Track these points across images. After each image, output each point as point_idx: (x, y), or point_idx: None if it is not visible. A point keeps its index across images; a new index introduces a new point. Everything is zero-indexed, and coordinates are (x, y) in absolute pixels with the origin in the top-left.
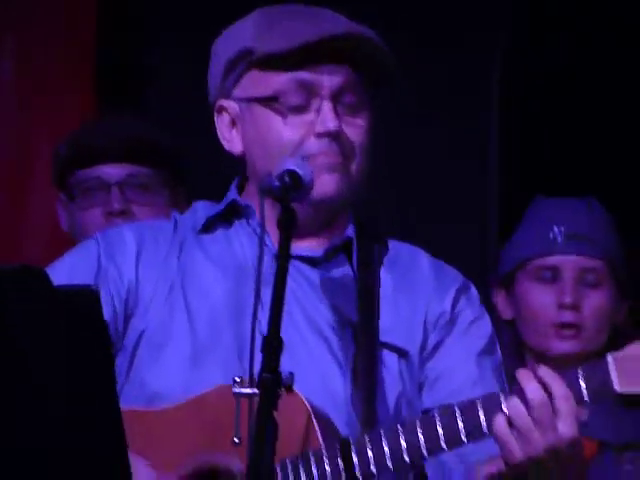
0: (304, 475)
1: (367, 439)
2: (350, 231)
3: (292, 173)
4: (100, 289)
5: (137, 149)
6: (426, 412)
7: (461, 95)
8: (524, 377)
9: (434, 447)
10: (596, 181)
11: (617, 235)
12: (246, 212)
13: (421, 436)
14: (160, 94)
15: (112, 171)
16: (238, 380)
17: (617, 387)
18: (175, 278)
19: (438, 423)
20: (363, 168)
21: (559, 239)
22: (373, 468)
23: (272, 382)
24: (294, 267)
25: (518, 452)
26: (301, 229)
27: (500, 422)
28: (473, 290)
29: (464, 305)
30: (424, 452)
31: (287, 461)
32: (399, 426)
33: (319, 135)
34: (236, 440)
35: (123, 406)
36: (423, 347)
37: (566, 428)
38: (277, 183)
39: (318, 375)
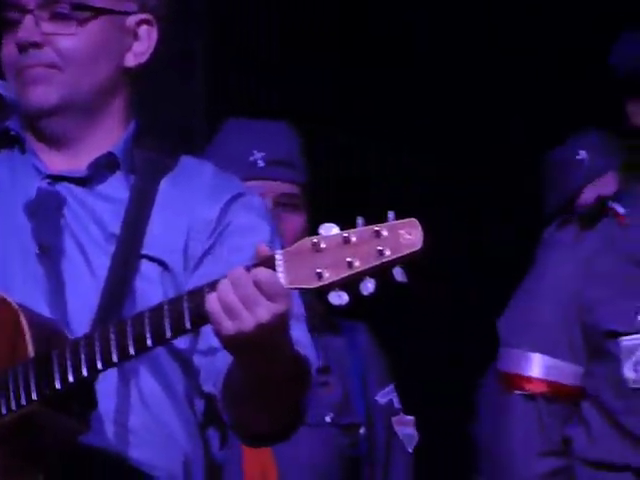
0: (6, 392)
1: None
2: (118, 145)
3: None
4: None
5: None
6: None
7: None
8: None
9: (141, 345)
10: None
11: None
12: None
13: (129, 331)
14: None
15: None
16: None
17: (283, 283)
18: None
19: (146, 318)
20: (79, 75)
21: (260, 163)
22: (85, 371)
23: None
24: (62, 186)
25: (229, 327)
26: (56, 144)
27: (211, 299)
28: (252, 199)
29: (237, 213)
30: (130, 350)
31: None
32: (111, 325)
33: (19, 48)
34: None
35: None
36: (187, 256)
37: (271, 306)
38: None
39: (73, 290)
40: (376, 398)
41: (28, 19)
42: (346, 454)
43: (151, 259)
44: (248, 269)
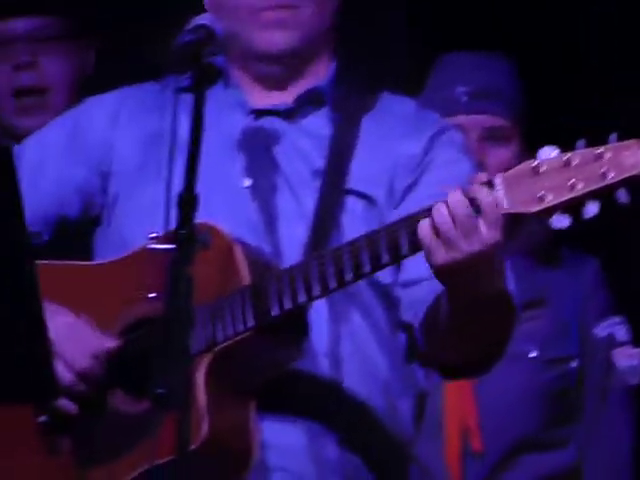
0: (222, 319)
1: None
2: (324, 80)
3: (204, 27)
4: (75, 150)
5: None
6: None
7: None
8: (450, 189)
9: (358, 271)
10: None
11: (521, 89)
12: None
13: (346, 258)
14: None
15: (17, 24)
16: (154, 235)
17: (505, 207)
18: (152, 138)
19: (363, 244)
20: (312, 16)
21: (463, 99)
22: (302, 296)
23: (186, 238)
24: (267, 121)
25: (443, 256)
26: (268, 82)
27: (424, 227)
28: (454, 134)
29: (440, 148)
30: (347, 276)
31: (199, 308)
32: (326, 251)
33: None
34: (150, 294)
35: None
36: (392, 192)
37: (491, 234)
38: (189, 37)
39: (281, 225)
40: (595, 331)
41: None
42: (552, 388)
43: (356, 194)
44: (466, 193)
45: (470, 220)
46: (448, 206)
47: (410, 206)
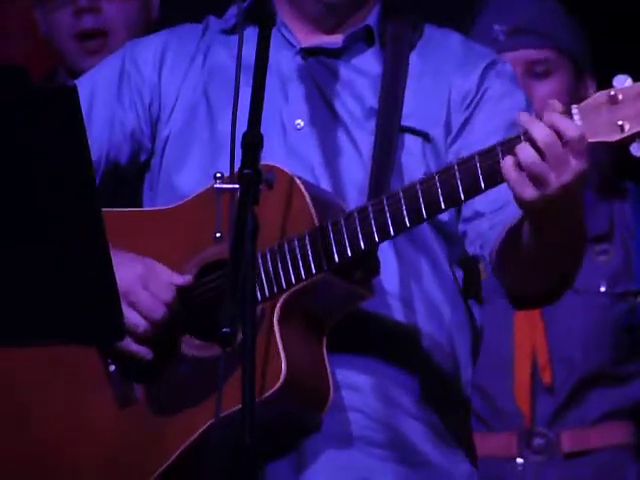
0: (294, 261)
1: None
2: (372, 19)
3: None
4: (124, 94)
5: None
6: None
7: None
8: (528, 121)
9: (433, 207)
10: None
11: (569, 20)
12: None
13: (420, 196)
14: None
15: None
16: (219, 176)
17: (588, 135)
18: (199, 80)
19: (437, 181)
20: None
21: (501, 37)
22: (376, 236)
23: (251, 178)
24: (317, 60)
25: (531, 192)
26: (319, 24)
27: (507, 164)
28: (505, 66)
29: (492, 81)
30: (424, 214)
31: (267, 250)
32: (400, 190)
33: None
34: (217, 235)
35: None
36: (449, 128)
37: (579, 164)
38: None
39: (339, 165)
40: None
41: None
42: (621, 323)
43: (413, 131)
44: (550, 124)
45: (559, 151)
46: (535, 139)
47: (468, 141)
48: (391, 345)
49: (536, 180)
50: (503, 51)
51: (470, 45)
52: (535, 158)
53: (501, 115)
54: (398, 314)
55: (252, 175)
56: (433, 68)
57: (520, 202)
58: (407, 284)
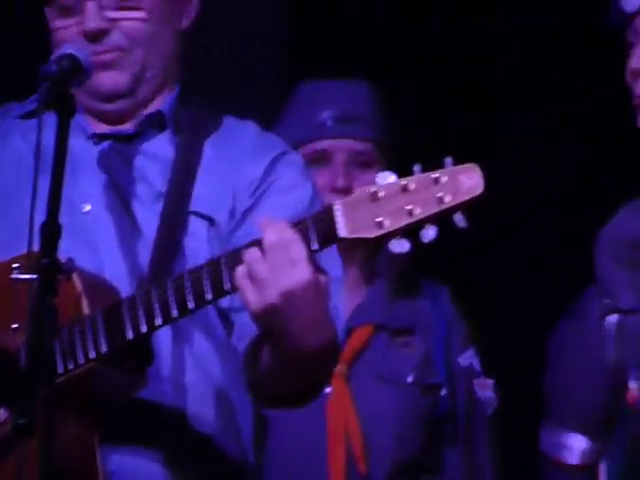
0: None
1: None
2: (165, 106)
3: (70, 57)
4: None
5: None
6: None
7: None
8: (264, 225)
9: (181, 305)
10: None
11: (385, 115)
12: None
13: (170, 292)
14: None
15: None
16: (16, 266)
17: (342, 233)
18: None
19: (186, 280)
20: (148, 52)
21: (328, 123)
22: (142, 327)
23: (49, 268)
24: (109, 145)
25: (255, 299)
26: (111, 115)
27: (240, 271)
28: (293, 156)
29: (281, 172)
30: (173, 311)
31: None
32: (154, 285)
33: (88, 38)
34: (14, 326)
35: None
36: (233, 213)
37: (300, 272)
38: (55, 67)
39: (124, 248)
40: (458, 360)
41: (91, 6)
42: (427, 414)
43: (199, 215)
44: (279, 229)
45: (279, 254)
46: (262, 240)
47: (249, 229)
48: (165, 432)
49: (256, 281)
50: (330, 137)
51: (265, 135)
52: (258, 257)
53: (287, 207)
54: (175, 400)
55: (50, 265)
56: (226, 155)
57: (249, 310)
58: (185, 368)
